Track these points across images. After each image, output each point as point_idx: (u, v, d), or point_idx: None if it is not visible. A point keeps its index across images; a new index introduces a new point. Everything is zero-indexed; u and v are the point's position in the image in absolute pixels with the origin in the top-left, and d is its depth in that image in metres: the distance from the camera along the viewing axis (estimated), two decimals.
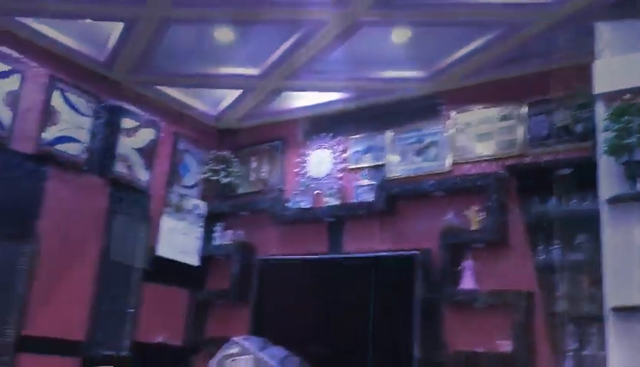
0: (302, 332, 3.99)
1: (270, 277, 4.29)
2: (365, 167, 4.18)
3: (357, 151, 4.27)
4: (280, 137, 4.67)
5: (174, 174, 4.54)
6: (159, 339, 4.26)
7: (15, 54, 3.63)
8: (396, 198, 3.95)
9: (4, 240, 3.50)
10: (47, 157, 3.73)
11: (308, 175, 4.42)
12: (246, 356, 1.27)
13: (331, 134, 4.41)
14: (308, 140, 4.52)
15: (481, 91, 3.87)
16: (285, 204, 4.36)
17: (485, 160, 3.75)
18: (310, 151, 4.47)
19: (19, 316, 3.50)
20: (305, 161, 4.47)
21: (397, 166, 4.06)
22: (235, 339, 1.22)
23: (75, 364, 3.75)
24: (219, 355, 1.16)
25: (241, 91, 4.35)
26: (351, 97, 4.26)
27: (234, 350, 1.22)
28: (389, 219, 3.97)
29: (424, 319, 3.53)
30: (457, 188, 3.71)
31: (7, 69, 3.57)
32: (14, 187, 3.57)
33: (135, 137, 4.26)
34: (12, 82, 3.59)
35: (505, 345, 3.34)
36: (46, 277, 3.66)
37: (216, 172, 4.61)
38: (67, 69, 3.89)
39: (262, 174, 4.66)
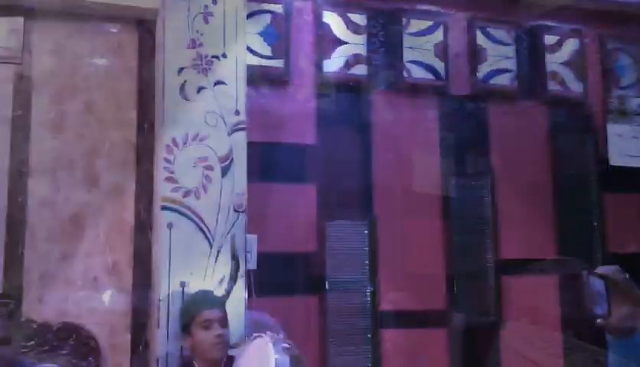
0: None
1: None
2: None
3: None
4: None
5: (610, 78, 4.22)
6: (632, 249, 4.07)
7: (433, 8, 3.92)
8: None
9: (468, 177, 3.86)
10: (484, 95, 3.95)
11: None
12: None
13: None
14: None
15: None
16: None
17: None
18: None
19: (493, 242, 3.83)
20: None
21: None
22: None
23: (553, 281, 3.91)
24: None
25: None
26: None
27: None
28: None
29: None
30: None
31: (431, 24, 3.90)
32: (463, 130, 3.89)
33: (560, 51, 4.12)
34: (437, 35, 3.91)
35: None
36: (506, 204, 3.88)
37: None
38: (480, 6, 4.02)
39: None
